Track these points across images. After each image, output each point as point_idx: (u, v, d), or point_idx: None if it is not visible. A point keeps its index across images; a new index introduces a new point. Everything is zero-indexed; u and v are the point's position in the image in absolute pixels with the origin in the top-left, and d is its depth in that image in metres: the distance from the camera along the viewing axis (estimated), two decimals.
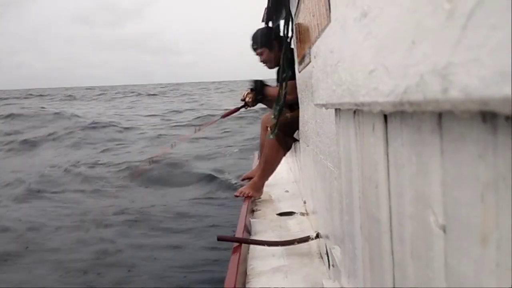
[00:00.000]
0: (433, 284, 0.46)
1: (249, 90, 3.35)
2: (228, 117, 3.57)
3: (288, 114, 2.81)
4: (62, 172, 7.68)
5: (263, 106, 3.51)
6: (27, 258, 4.10)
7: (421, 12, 0.35)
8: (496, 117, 0.32)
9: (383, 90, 0.46)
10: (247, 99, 3.31)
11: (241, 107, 3.41)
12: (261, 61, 3.35)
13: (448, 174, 0.41)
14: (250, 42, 3.36)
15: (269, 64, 3.34)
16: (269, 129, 2.84)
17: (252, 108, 3.41)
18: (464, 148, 0.38)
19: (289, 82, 2.74)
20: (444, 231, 0.43)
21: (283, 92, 2.68)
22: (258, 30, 3.39)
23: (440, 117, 0.42)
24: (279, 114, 2.70)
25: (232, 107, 3.53)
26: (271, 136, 2.78)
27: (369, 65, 0.51)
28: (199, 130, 3.73)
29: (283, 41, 2.79)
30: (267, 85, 3.28)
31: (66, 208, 5.81)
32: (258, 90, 3.25)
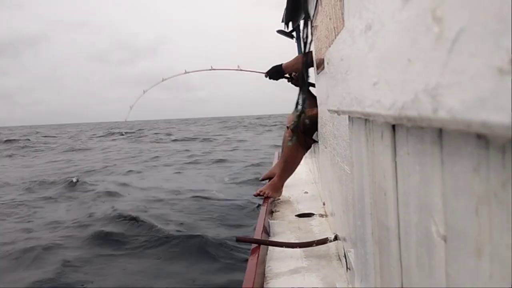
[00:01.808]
0: None
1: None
2: (248, 72, 3.91)
3: (307, 120, 2.82)
4: None
5: None
6: None
7: (416, 31, 0.36)
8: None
9: (385, 104, 0.47)
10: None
11: (262, 72, 3.49)
12: None
13: (448, 185, 0.42)
14: None
15: None
16: (286, 134, 2.87)
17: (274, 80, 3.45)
18: (461, 160, 0.39)
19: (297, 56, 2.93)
20: (445, 241, 0.44)
21: (304, 97, 2.71)
22: None
23: (440, 129, 0.43)
24: (299, 119, 2.75)
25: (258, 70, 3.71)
26: (289, 143, 2.82)
27: (373, 77, 0.52)
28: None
29: (302, 45, 2.82)
30: (281, 65, 3.29)
31: None
32: (273, 74, 3.30)
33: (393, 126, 0.61)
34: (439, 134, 0.43)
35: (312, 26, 2.50)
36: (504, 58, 0.22)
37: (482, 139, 0.34)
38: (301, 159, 3.04)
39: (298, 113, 2.74)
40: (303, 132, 2.84)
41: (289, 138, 2.84)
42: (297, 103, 2.76)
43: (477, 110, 0.25)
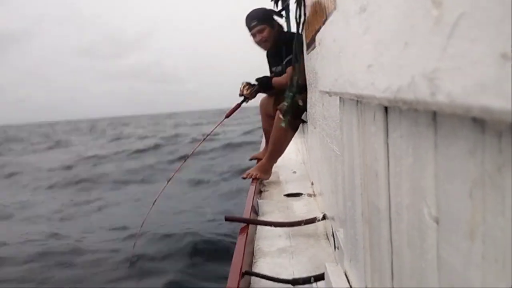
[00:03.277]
0: (426, 274, 0.48)
1: (245, 83, 3.32)
2: (232, 115, 3.52)
3: (301, 101, 2.75)
4: None
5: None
6: None
7: (413, 15, 0.36)
8: None
9: (379, 86, 0.47)
10: (245, 93, 3.29)
11: (242, 102, 3.39)
12: (259, 40, 3.20)
13: (441, 168, 0.43)
14: (248, 20, 3.20)
15: (267, 44, 3.22)
16: (280, 116, 2.79)
17: (252, 100, 3.38)
18: (456, 143, 0.39)
19: (297, 66, 2.73)
20: (437, 223, 0.45)
21: (296, 78, 2.63)
22: (255, 9, 3.24)
23: (435, 112, 0.43)
24: (292, 100, 2.66)
25: (234, 105, 3.47)
26: (283, 124, 2.72)
27: (368, 59, 0.52)
28: (206, 137, 3.73)
29: (286, 23, 2.75)
30: (272, 77, 3.23)
31: None
32: (265, 85, 3.22)
33: (386, 108, 0.61)
34: (433, 117, 0.43)
35: (304, 5, 2.46)
36: (507, 44, 0.22)
37: (478, 123, 0.34)
38: (290, 140, 3.02)
39: (292, 94, 2.68)
40: (294, 113, 2.80)
41: (283, 119, 2.78)
42: (291, 85, 2.70)
43: (478, 95, 0.25)
